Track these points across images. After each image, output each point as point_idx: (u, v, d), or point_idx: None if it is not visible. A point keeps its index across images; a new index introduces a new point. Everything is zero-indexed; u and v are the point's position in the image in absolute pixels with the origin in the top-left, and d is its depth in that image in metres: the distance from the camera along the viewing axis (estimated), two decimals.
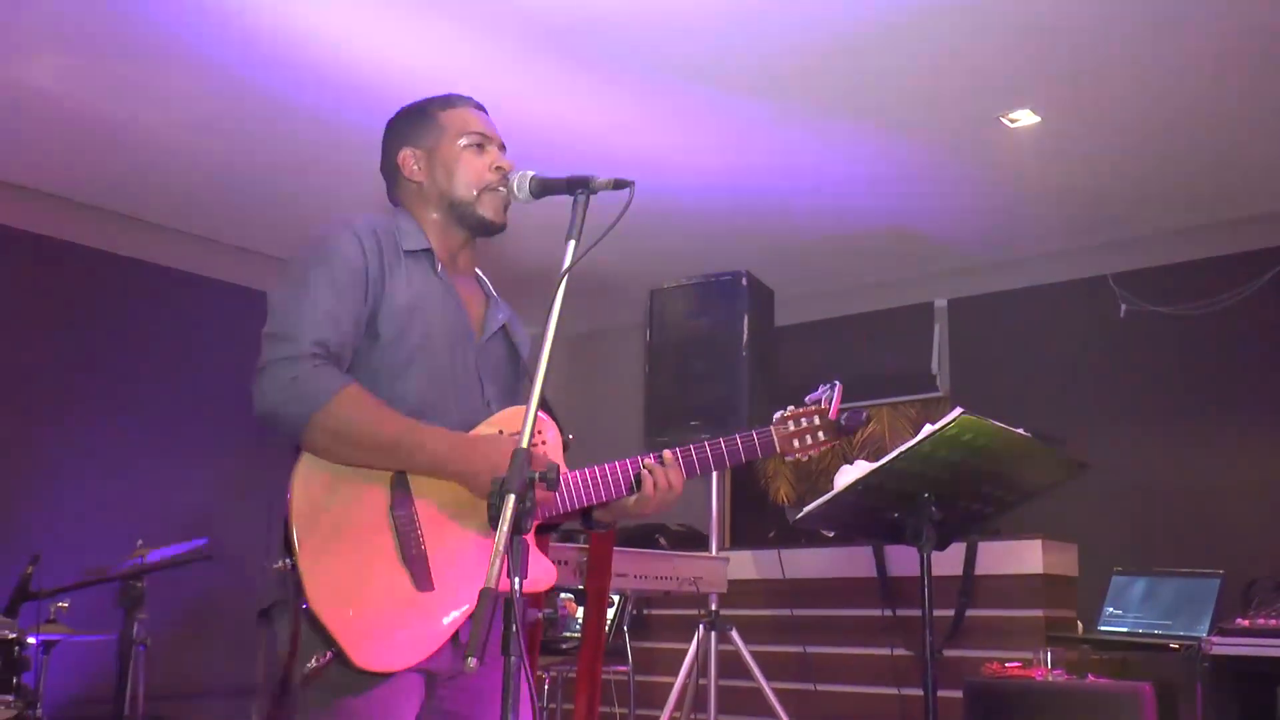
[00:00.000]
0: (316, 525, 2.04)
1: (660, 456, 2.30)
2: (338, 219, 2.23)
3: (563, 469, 2.26)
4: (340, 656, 1.97)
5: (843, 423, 2.44)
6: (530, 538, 2.13)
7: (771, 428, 2.43)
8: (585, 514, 2.38)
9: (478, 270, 2.47)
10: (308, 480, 2.08)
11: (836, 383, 2.47)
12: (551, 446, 2.28)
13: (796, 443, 2.44)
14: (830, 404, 2.44)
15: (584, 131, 5.22)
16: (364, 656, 1.98)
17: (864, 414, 2.51)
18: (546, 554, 2.34)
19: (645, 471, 2.28)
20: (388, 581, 2.04)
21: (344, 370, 2.13)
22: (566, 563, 3.37)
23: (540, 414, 2.27)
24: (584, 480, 2.26)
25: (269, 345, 2.10)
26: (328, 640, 1.98)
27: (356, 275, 2.15)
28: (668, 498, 2.31)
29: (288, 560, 2.02)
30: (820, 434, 2.43)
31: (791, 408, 2.46)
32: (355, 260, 2.16)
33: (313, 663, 1.99)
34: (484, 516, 1.87)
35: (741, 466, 4.89)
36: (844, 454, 7.01)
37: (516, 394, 2.37)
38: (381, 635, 2.00)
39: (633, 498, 2.30)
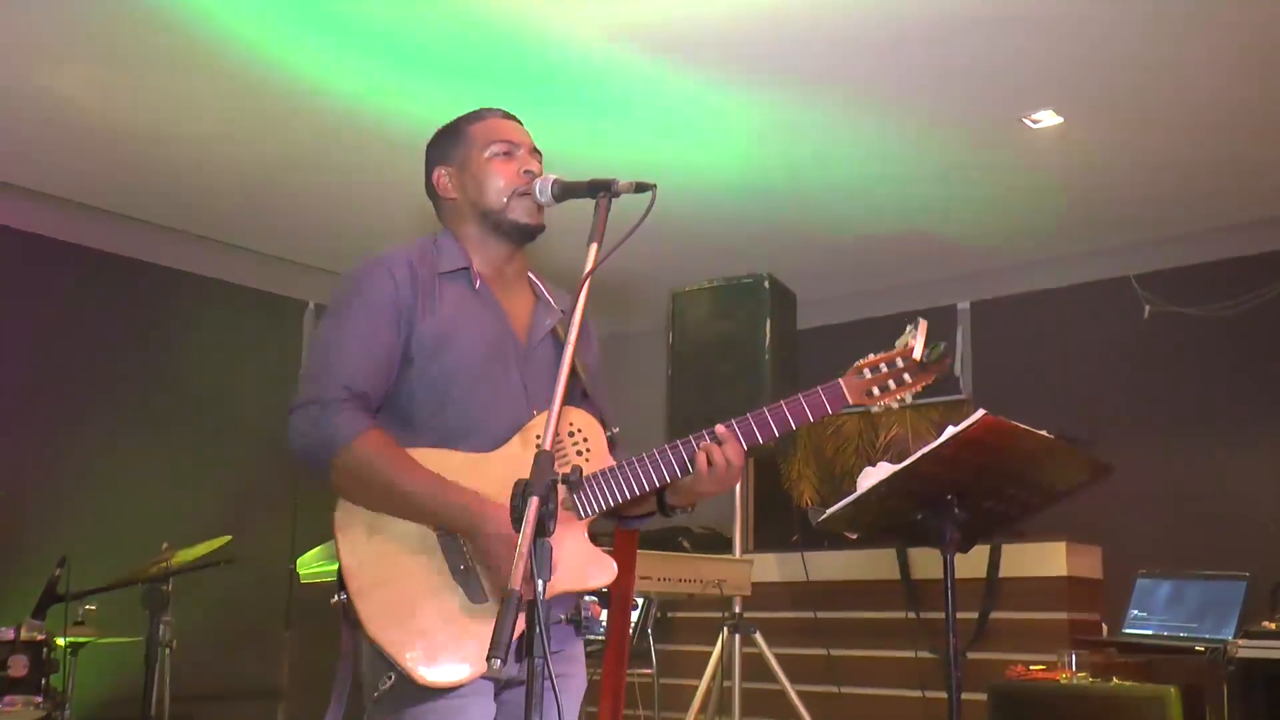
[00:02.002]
0: (363, 553, 2.11)
1: (714, 433, 2.25)
2: (371, 256, 2.28)
3: (611, 461, 2.26)
4: (404, 678, 2.03)
5: (926, 360, 2.28)
6: (585, 534, 2.20)
7: (841, 379, 2.29)
8: (660, 502, 2.37)
9: (531, 275, 2.47)
10: (351, 510, 2.15)
11: (921, 320, 2.32)
12: (595, 448, 2.27)
13: (876, 390, 2.29)
14: (915, 342, 2.29)
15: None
16: (425, 675, 2.03)
17: (943, 345, 2.29)
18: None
19: (699, 450, 2.23)
20: (441, 600, 2.09)
21: (375, 407, 2.19)
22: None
23: (583, 413, 2.30)
24: (637, 466, 2.23)
25: (301, 386, 2.18)
26: (391, 665, 2.04)
27: (386, 310, 2.21)
28: (728, 474, 2.23)
29: (343, 594, 2.10)
30: (905, 376, 2.29)
31: (871, 355, 2.31)
32: (385, 295, 2.21)
33: (382, 686, 2.07)
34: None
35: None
36: (867, 456, 7.00)
37: (569, 395, 2.33)
38: (442, 653, 2.05)
39: (689, 478, 2.24)
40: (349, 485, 2.13)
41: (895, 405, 2.30)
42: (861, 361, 2.30)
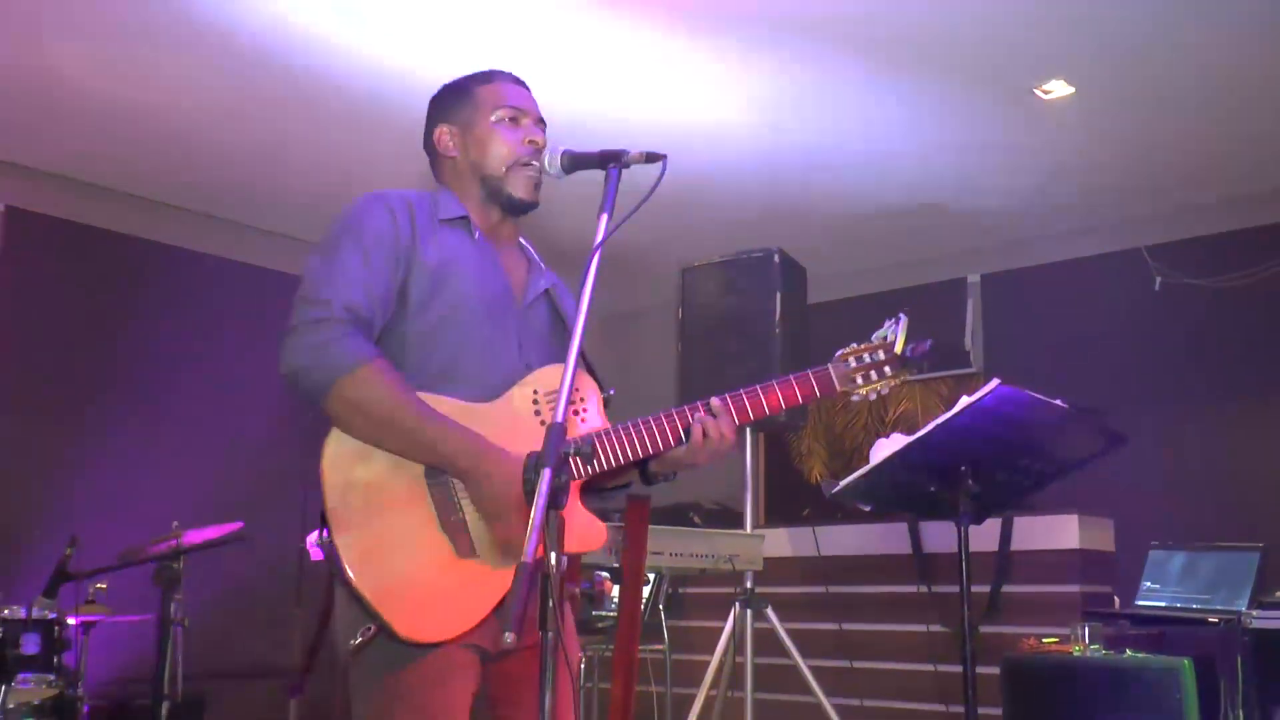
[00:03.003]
0: (350, 496, 2.03)
1: (709, 405, 2.23)
2: (368, 193, 2.24)
3: (605, 424, 2.24)
4: (384, 629, 1.96)
5: (908, 355, 2.32)
6: (575, 495, 2.15)
7: (829, 366, 2.32)
8: (642, 470, 2.34)
9: (522, 239, 2.45)
10: (339, 450, 2.06)
11: (902, 315, 2.35)
12: (591, 409, 2.26)
13: (860, 379, 2.32)
14: (896, 338, 2.33)
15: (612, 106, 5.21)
16: (407, 626, 1.97)
17: (928, 343, 2.34)
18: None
19: (695, 422, 2.21)
20: (427, 550, 2.03)
21: (373, 338, 2.13)
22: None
23: (582, 373, 2.27)
24: (632, 431, 2.20)
25: (299, 308, 2.10)
26: (370, 613, 1.97)
27: (386, 243, 2.16)
28: (720, 447, 2.22)
29: (324, 532, 2.01)
30: (886, 369, 2.31)
31: (854, 345, 2.34)
32: (385, 228, 2.17)
33: (358, 637, 1.99)
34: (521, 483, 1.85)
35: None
36: (877, 431, 6.99)
37: (558, 357, 2.29)
38: (424, 604, 1.99)
39: (683, 449, 2.22)
40: (348, 414, 2.04)
41: (873, 396, 2.35)
42: (844, 351, 2.34)
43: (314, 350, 2.05)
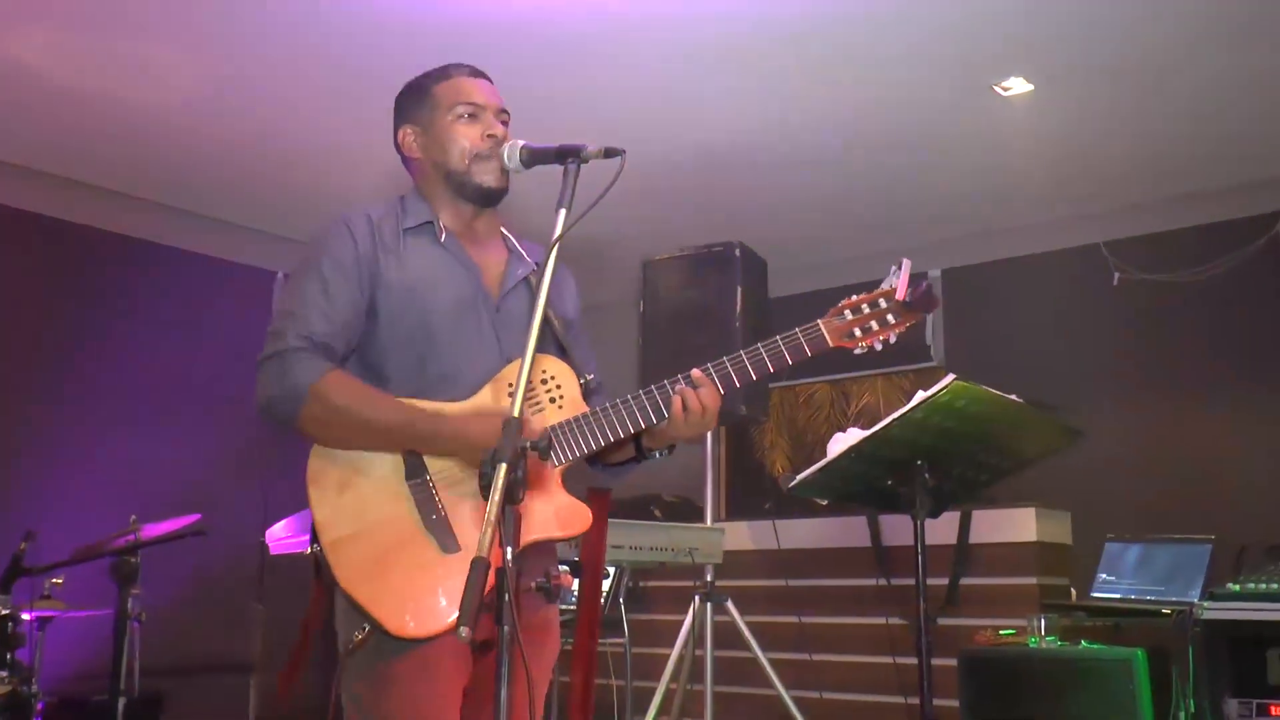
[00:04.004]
0: (336, 505, 2.12)
1: (689, 377, 2.24)
2: (334, 217, 2.29)
3: (584, 408, 2.26)
4: (378, 628, 2.04)
5: (910, 300, 2.24)
6: (558, 480, 2.21)
7: (820, 321, 2.25)
8: (636, 446, 2.35)
9: (503, 230, 2.47)
10: (321, 465, 2.15)
11: (905, 260, 2.27)
12: (569, 396, 2.28)
13: (858, 331, 2.25)
14: (899, 283, 2.25)
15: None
16: (399, 624, 2.03)
17: (925, 283, 2.25)
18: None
19: (675, 394, 2.22)
20: (413, 550, 2.09)
21: (340, 359, 2.19)
22: None
23: (556, 360, 2.31)
24: (611, 413, 2.23)
25: (267, 342, 2.18)
26: (364, 615, 2.04)
27: (347, 265, 2.22)
28: (704, 419, 2.23)
29: (316, 547, 2.10)
30: (889, 317, 2.25)
31: (855, 295, 2.27)
32: (345, 250, 2.23)
33: (356, 637, 2.06)
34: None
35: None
36: (839, 424, 7.02)
37: (543, 345, 2.30)
38: (415, 603, 2.05)
39: (665, 423, 2.24)
40: (320, 429, 2.13)
41: (879, 347, 2.25)
42: (844, 302, 2.27)
43: (276, 380, 2.13)
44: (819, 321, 2.25)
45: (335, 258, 2.22)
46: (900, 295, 2.24)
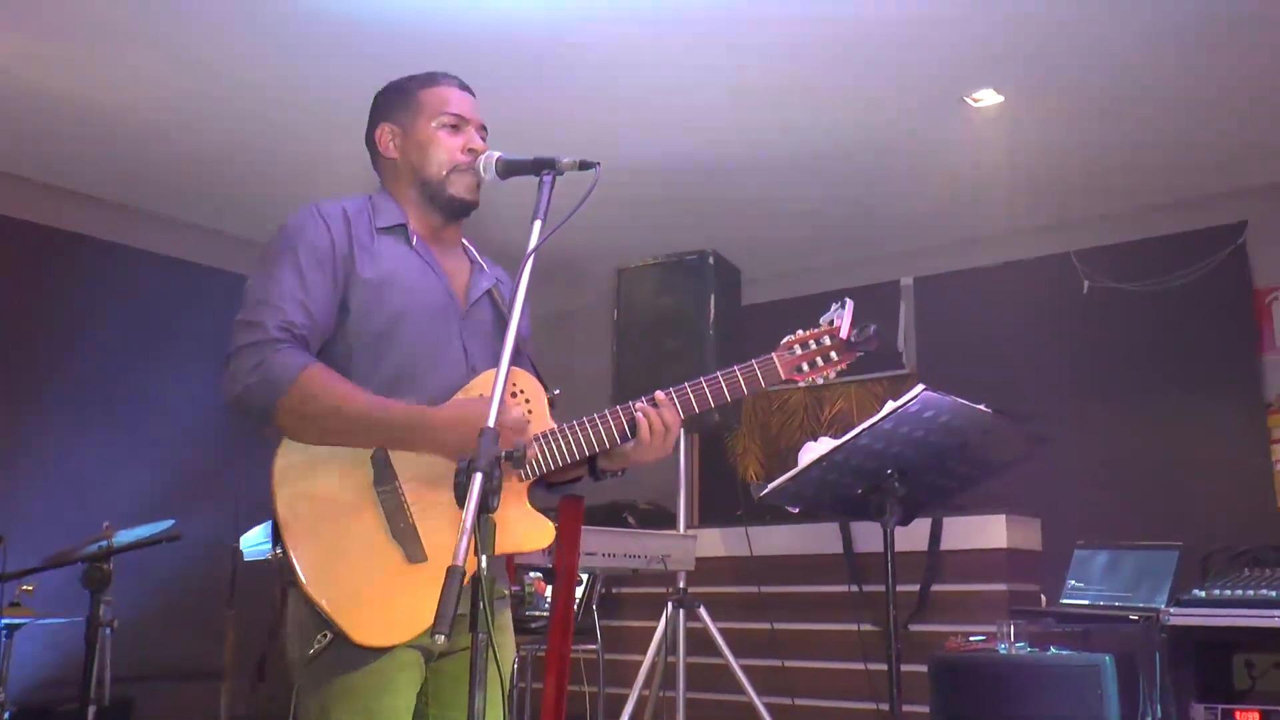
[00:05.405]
0: (301, 510, 2.06)
1: (653, 399, 2.26)
2: (306, 205, 2.25)
3: (551, 424, 2.27)
4: (340, 636, 2.00)
5: (854, 340, 2.33)
6: (523, 494, 2.21)
7: (774, 355, 2.33)
8: (591, 467, 2.38)
9: (465, 241, 2.46)
10: (287, 466, 2.09)
11: (848, 301, 2.36)
12: (536, 410, 2.28)
13: (806, 366, 2.34)
14: (841, 322, 2.34)
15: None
16: (363, 634, 2.00)
17: (873, 328, 2.35)
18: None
19: (639, 415, 2.25)
20: (379, 558, 2.06)
21: (314, 352, 2.14)
22: None
23: (525, 374, 2.31)
24: (577, 430, 2.24)
25: (237, 332, 2.12)
26: (326, 621, 2.00)
27: (323, 257, 2.17)
28: (666, 441, 2.27)
29: (278, 549, 2.04)
30: (832, 354, 2.33)
31: (800, 331, 2.36)
32: (321, 242, 2.18)
33: (314, 645, 2.02)
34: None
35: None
36: (812, 431, 7.06)
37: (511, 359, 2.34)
38: (378, 611, 2.03)
39: (630, 444, 2.27)
40: (296, 422, 2.08)
41: (820, 381, 2.35)
42: (790, 338, 2.36)
43: (252, 372, 2.07)
44: (773, 355, 2.34)
45: (311, 247, 2.17)
46: (844, 335, 2.34)
